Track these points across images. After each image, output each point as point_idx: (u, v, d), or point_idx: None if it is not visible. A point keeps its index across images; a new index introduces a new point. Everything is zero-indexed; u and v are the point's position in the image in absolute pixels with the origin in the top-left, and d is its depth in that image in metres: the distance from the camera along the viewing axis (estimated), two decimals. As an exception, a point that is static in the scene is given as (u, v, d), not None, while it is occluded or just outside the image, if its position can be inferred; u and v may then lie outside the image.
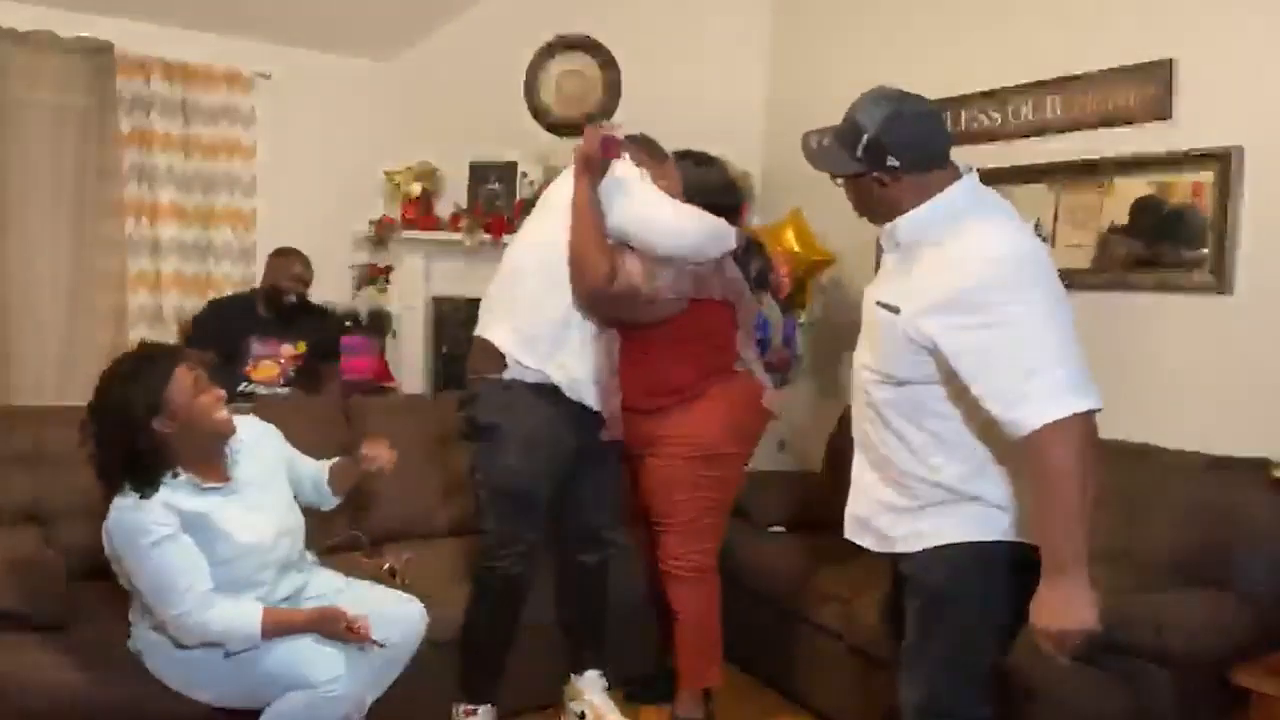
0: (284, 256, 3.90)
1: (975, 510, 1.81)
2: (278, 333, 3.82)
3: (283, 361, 3.81)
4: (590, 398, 2.71)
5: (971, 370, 1.69)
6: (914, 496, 1.86)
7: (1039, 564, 1.71)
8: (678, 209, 2.66)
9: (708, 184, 2.85)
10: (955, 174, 1.84)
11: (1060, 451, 1.63)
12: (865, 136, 1.79)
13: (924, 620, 1.88)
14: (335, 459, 2.65)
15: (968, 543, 1.81)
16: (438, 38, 4.52)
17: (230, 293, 4.07)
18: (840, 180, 1.90)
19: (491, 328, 2.70)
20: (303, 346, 3.84)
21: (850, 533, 2.01)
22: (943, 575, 1.84)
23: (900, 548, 1.89)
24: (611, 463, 2.87)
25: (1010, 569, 1.80)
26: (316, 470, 2.61)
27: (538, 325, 2.63)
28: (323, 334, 3.95)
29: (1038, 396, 1.63)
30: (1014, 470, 1.78)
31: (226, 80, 4.18)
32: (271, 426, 2.56)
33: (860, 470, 1.98)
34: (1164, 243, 2.92)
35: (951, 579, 1.84)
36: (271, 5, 4.09)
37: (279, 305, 3.82)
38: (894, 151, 1.78)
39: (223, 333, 3.74)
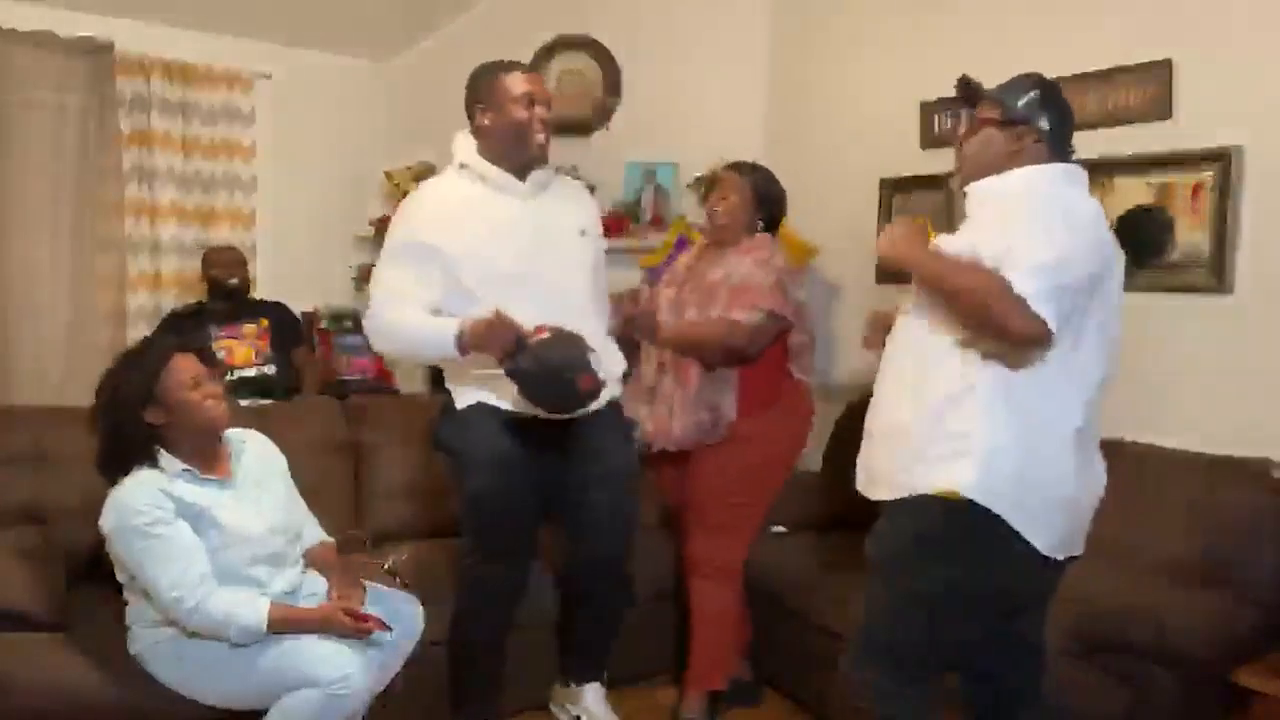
0: (215, 250, 3.98)
1: (952, 459, 1.84)
2: (234, 317, 3.84)
3: (250, 340, 3.82)
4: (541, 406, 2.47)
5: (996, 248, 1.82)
6: (911, 440, 1.92)
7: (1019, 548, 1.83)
8: None
9: (774, 194, 3.02)
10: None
11: (993, 298, 1.77)
12: (1035, 93, 1.97)
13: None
14: (328, 543, 2.55)
15: (917, 497, 1.88)
16: (438, 38, 4.52)
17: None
18: (983, 126, 2.00)
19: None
20: (265, 323, 3.85)
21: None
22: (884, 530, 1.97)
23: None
24: (615, 484, 2.61)
25: (970, 538, 1.85)
26: (309, 535, 2.55)
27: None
28: (281, 315, 3.96)
29: (1019, 275, 1.76)
30: (994, 411, 1.83)
31: (226, 80, 4.18)
32: (281, 458, 2.54)
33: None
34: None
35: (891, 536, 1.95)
36: (271, 5, 4.09)
37: (224, 291, 3.85)
38: (1048, 116, 1.95)
39: (181, 335, 3.74)
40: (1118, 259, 1.93)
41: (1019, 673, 2.11)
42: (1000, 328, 1.76)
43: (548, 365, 2.31)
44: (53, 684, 2.24)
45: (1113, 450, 2.79)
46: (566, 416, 2.50)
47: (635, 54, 4.25)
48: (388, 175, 4.40)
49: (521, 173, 2.48)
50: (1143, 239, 2.90)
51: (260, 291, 4.17)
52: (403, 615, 2.44)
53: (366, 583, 2.47)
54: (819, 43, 4.16)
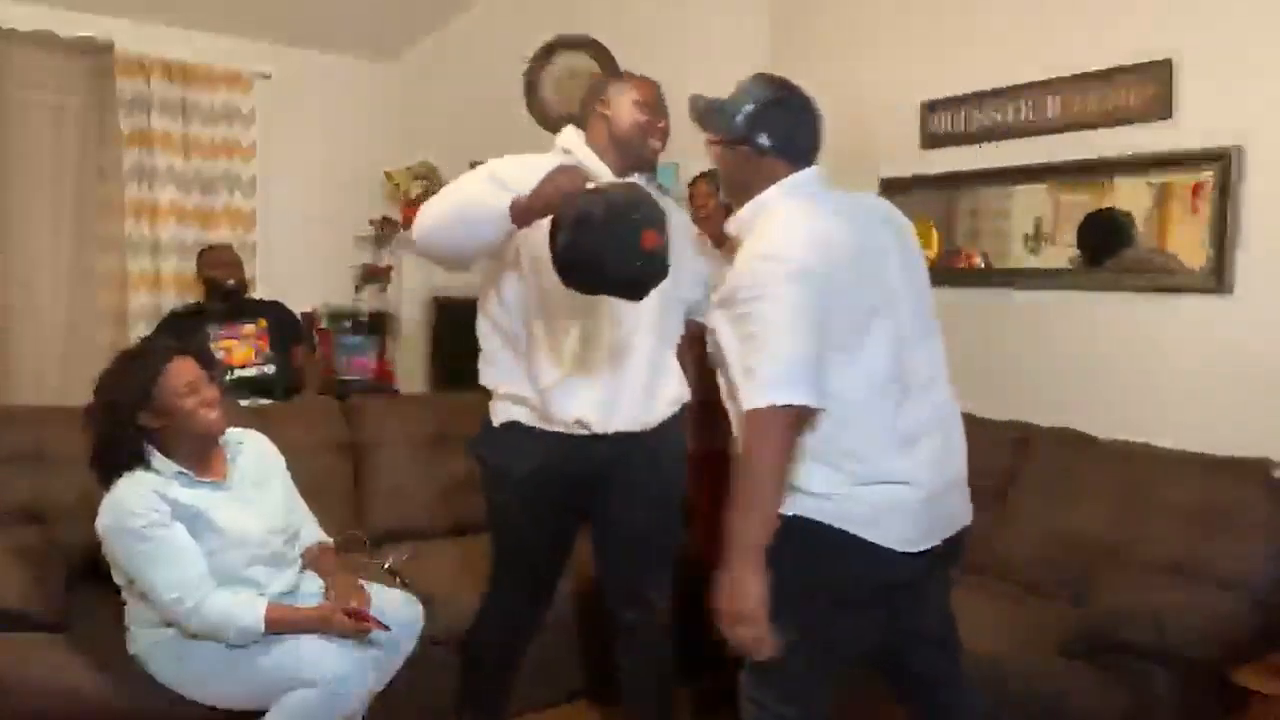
0: (211, 250, 3.96)
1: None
2: (232, 317, 3.85)
3: (250, 340, 3.83)
4: (594, 417, 2.33)
5: (730, 360, 1.79)
6: None
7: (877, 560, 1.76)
8: None
9: None
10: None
11: (753, 439, 1.69)
12: (749, 107, 1.86)
13: None
14: (327, 543, 2.56)
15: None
16: (438, 38, 4.52)
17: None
18: (715, 148, 1.93)
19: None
20: (263, 323, 3.86)
21: None
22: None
23: None
24: (643, 512, 2.45)
25: (818, 548, 1.76)
26: (307, 535, 2.54)
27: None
28: (279, 314, 3.97)
29: (749, 388, 1.69)
30: (821, 454, 1.77)
31: (226, 80, 4.18)
32: (280, 458, 2.54)
33: None
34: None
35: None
36: (271, 5, 4.09)
37: (222, 292, 3.85)
38: (768, 130, 1.85)
39: (180, 336, 3.74)
40: (872, 246, 1.82)
41: (935, 667, 2.04)
42: (775, 450, 1.68)
43: (615, 203, 2.00)
44: (53, 684, 2.24)
45: (1114, 450, 2.83)
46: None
47: (635, 54, 4.24)
48: (388, 175, 4.40)
49: (620, 175, 2.40)
50: (1103, 240, 3.03)
51: (260, 291, 4.17)
52: (403, 615, 2.44)
53: (366, 583, 2.47)
54: (819, 43, 4.16)
